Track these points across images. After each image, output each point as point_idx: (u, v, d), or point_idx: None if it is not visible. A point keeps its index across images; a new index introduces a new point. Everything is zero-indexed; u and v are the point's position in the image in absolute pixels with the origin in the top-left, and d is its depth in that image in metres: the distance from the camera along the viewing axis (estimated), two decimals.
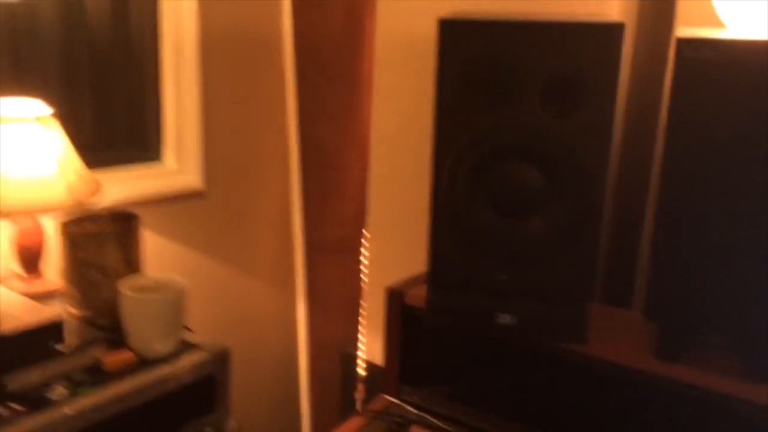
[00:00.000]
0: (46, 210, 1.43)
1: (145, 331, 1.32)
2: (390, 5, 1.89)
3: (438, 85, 1.25)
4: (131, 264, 1.41)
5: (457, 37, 1.22)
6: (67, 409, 1.16)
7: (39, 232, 1.54)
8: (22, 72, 1.71)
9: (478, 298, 1.33)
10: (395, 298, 1.52)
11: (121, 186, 1.81)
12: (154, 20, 1.89)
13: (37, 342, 1.21)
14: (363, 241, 2.15)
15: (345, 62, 2.01)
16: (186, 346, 1.39)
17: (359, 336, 2.20)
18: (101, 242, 1.36)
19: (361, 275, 2.17)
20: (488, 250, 1.29)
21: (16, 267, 1.55)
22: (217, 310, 2.12)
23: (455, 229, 1.29)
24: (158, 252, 1.92)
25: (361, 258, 2.16)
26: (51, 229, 1.57)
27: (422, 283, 1.47)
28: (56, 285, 1.52)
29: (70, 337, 1.31)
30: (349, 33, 1.98)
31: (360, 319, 2.19)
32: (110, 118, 1.89)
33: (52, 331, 1.23)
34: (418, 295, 1.46)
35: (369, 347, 2.16)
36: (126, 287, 1.33)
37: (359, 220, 2.12)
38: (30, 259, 1.54)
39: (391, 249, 2.02)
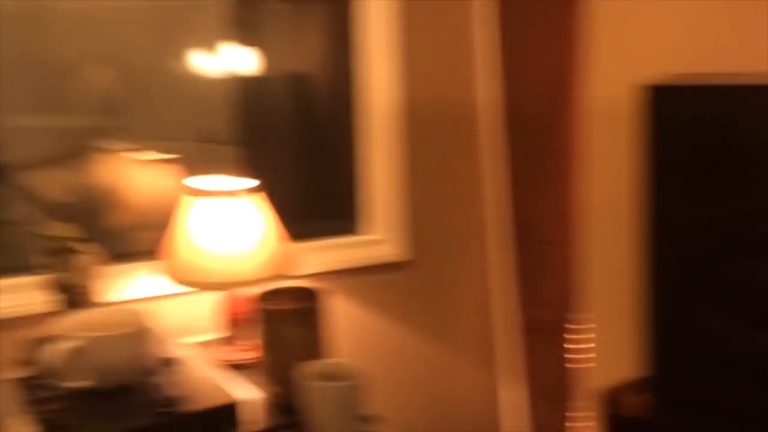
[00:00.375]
0: (240, 285, 1.44)
1: (319, 419, 1.25)
2: (603, 71, 1.74)
3: (648, 161, 1.06)
4: (312, 345, 1.36)
5: (671, 105, 1.02)
6: None
7: (242, 301, 1.56)
8: (237, 143, 1.80)
9: (715, 423, 1.07)
10: (607, 404, 1.30)
11: (322, 256, 1.82)
12: (359, 91, 1.89)
13: (208, 425, 1.17)
14: (572, 324, 1.94)
15: (552, 133, 1.88)
16: None
17: (570, 427, 1.97)
18: (284, 320, 1.33)
19: (570, 362, 1.95)
20: (726, 365, 1.04)
21: (223, 333, 1.58)
22: (412, 387, 2.03)
23: (679, 336, 1.06)
24: (354, 323, 1.88)
25: (570, 344, 1.95)
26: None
27: (643, 387, 1.24)
28: (256, 356, 1.52)
29: (257, 416, 1.27)
30: (555, 103, 1.87)
31: (570, 409, 1.97)
32: (317, 189, 1.92)
33: (225, 414, 1.19)
34: (635, 405, 1.24)
35: None
36: (303, 371, 1.28)
37: (569, 300, 1.93)
38: (233, 326, 1.57)
39: (611, 337, 1.78)
